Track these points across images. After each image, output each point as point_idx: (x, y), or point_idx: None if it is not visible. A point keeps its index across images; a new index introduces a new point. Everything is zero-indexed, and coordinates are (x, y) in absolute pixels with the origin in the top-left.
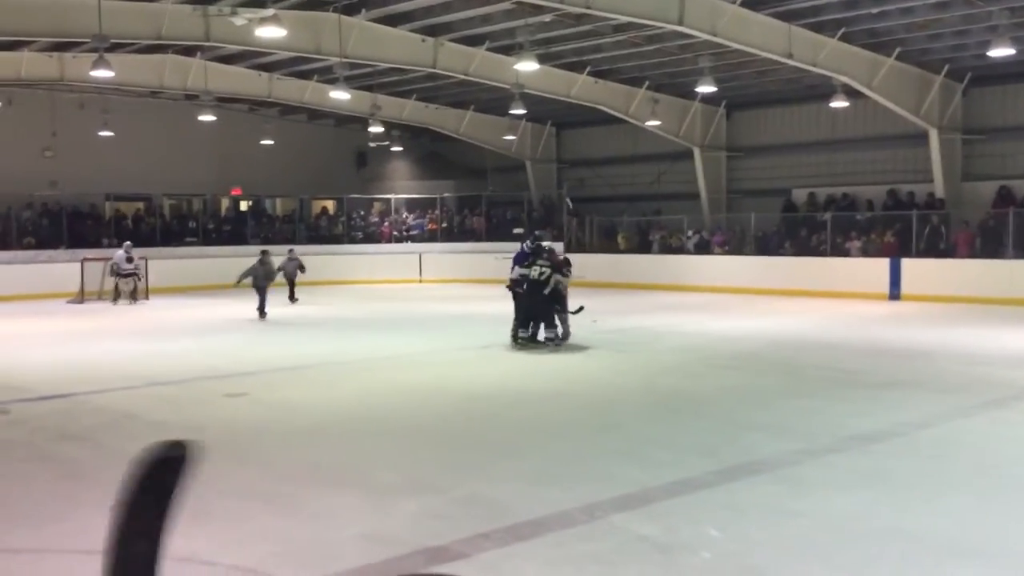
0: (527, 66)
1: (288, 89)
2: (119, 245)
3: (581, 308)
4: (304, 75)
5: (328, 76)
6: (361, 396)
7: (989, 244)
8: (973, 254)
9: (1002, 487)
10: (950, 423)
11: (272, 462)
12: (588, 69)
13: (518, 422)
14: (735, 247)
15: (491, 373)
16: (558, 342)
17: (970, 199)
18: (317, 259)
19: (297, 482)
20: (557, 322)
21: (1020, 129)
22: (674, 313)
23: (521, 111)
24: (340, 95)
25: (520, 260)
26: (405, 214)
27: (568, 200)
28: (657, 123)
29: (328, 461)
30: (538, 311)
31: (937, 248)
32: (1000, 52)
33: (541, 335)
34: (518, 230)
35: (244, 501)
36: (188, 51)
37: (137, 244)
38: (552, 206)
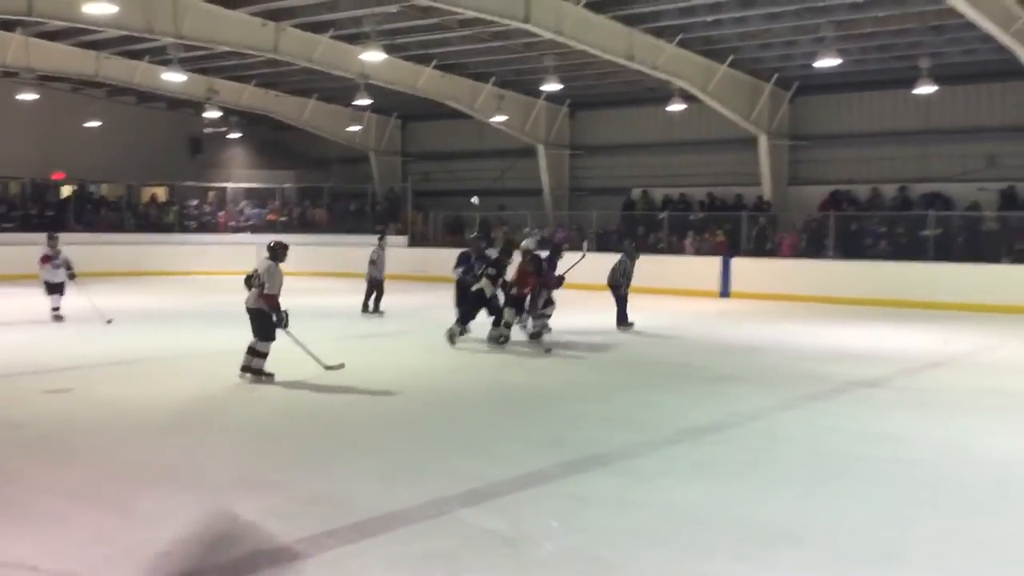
0: (373, 56)
1: (117, 69)
2: None
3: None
4: (135, 55)
5: (161, 57)
6: (195, 392)
7: (812, 246)
8: (797, 255)
9: (828, 475)
10: (780, 415)
11: (100, 461)
12: (435, 62)
13: (363, 418)
14: (574, 244)
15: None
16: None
17: (795, 202)
18: (145, 248)
19: (127, 482)
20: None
21: (842, 137)
22: None
23: (366, 102)
24: (173, 77)
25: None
26: (243, 204)
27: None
28: (502, 119)
29: (160, 460)
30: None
31: (764, 249)
32: (825, 63)
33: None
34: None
35: (71, 502)
36: (8, 25)
37: None
38: (397, 199)
